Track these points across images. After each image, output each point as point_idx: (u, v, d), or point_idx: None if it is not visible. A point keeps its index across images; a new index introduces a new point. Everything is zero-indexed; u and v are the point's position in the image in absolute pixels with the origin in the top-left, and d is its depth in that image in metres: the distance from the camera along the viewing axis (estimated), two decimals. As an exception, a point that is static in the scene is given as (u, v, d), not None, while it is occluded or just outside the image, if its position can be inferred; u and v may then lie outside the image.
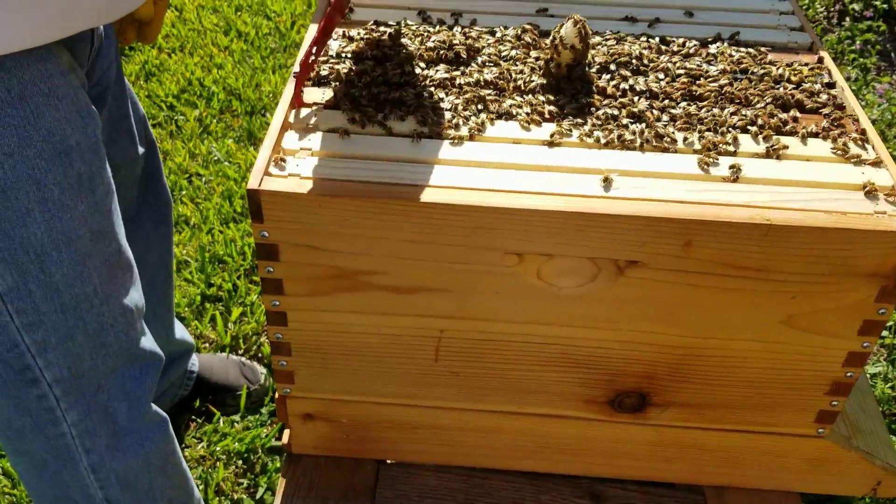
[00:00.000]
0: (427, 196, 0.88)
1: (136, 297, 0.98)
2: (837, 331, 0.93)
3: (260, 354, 1.83)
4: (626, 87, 1.04)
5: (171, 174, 2.26)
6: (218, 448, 1.62)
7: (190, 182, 2.27)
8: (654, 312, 0.95)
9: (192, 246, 2.05)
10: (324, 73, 1.05)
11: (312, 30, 1.13)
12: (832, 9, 3.08)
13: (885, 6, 2.94)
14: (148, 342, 1.01)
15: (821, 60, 1.11)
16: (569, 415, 1.06)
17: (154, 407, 1.05)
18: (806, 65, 1.10)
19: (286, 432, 1.15)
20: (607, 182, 0.90)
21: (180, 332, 1.56)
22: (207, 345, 1.85)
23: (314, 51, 1.01)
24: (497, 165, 0.93)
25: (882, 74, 2.81)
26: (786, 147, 0.96)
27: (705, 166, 0.93)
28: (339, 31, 1.14)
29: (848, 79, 2.50)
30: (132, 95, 1.20)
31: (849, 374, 0.97)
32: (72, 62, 0.86)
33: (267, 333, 1.66)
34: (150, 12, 0.99)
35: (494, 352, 1.01)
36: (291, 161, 0.92)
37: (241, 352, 1.83)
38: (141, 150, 1.23)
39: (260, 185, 0.88)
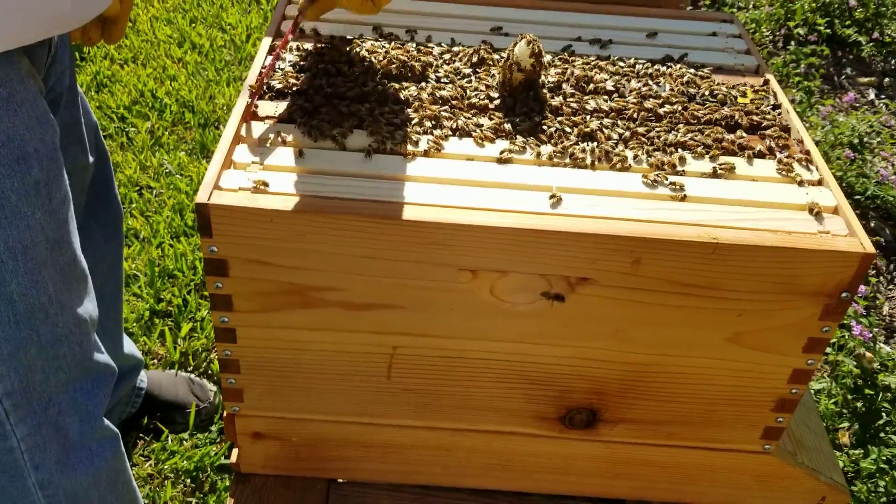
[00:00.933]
0: (381, 212, 0.88)
1: (90, 307, 0.96)
2: (783, 348, 0.95)
3: (210, 371, 1.79)
4: (578, 106, 1.05)
5: (121, 186, 2.22)
6: (166, 466, 1.58)
7: (140, 195, 2.23)
8: (604, 329, 0.96)
9: (141, 260, 2.01)
10: (278, 86, 1.04)
11: (267, 43, 1.12)
12: (778, 33, 3.17)
13: (828, 31, 3.04)
14: (101, 354, 0.99)
15: (766, 83, 1.14)
16: (520, 431, 1.07)
17: (106, 422, 1.02)
18: (752, 87, 1.13)
19: (235, 451, 1.13)
20: (555, 199, 0.91)
21: (129, 347, 1.53)
22: (156, 361, 1.81)
23: (270, 64, 1.01)
24: (451, 182, 0.93)
25: (825, 97, 2.90)
26: (733, 167, 0.98)
27: (654, 185, 0.94)
28: (294, 44, 1.13)
29: (793, 101, 2.57)
30: (84, 103, 1.18)
31: (794, 391, 0.99)
32: (31, 68, 0.85)
33: (216, 352, 1.64)
34: (116, 10, 0.97)
35: (448, 368, 1.01)
36: (242, 175, 0.91)
37: (190, 368, 1.80)
38: (91, 158, 1.21)
39: (209, 198, 0.87)
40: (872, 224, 2.42)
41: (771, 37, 3.20)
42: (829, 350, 1.81)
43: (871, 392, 1.75)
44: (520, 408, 1.04)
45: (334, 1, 1.02)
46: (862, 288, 1.89)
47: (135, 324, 1.85)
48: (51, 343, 0.91)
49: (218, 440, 1.64)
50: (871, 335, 1.77)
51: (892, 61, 3.20)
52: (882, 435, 1.69)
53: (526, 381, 1.02)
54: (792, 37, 3.09)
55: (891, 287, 2.30)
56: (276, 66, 1.07)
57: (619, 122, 1.03)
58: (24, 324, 0.88)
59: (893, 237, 2.42)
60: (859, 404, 1.75)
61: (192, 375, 1.72)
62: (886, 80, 3.11)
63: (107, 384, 1.00)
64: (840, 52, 3.19)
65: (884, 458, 1.61)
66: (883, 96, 3.01)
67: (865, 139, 2.50)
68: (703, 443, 1.06)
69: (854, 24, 3.16)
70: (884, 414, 1.73)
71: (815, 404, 1.22)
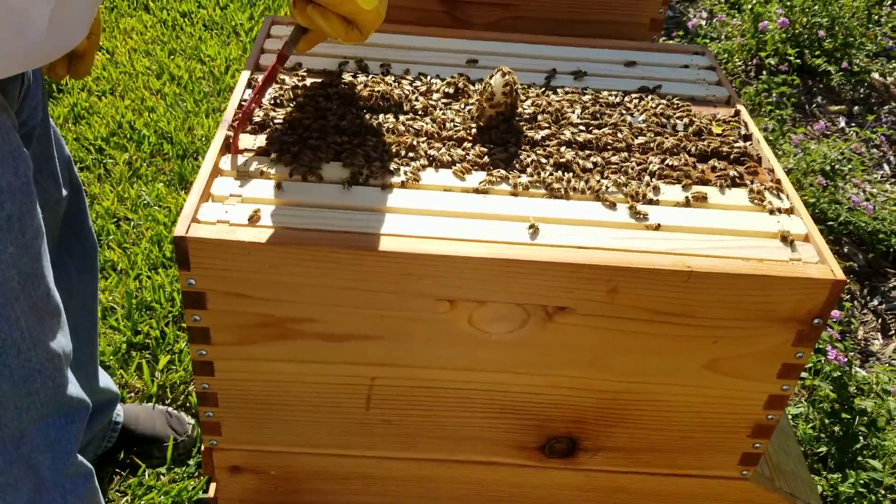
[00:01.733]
0: (358, 243, 0.88)
1: (63, 342, 0.96)
2: (758, 374, 0.96)
3: (188, 404, 1.78)
4: (554, 137, 1.07)
5: (98, 218, 2.20)
6: (143, 502, 1.56)
7: (118, 226, 2.21)
8: (582, 358, 0.96)
9: (118, 292, 1.99)
10: (257, 119, 1.05)
11: (246, 76, 1.13)
12: (750, 63, 3.23)
13: (798, 61, 3.10)
14: (75, 389, 0.98)
15: (737, 114, 1.16)
16: (501, 461, 1.06)
17: (79, 458, 1.01)
18: (723, 118, 1.15)
19: (213, 485, 1.12)
20: (533, 230, 0.92)
21: (104, 380, 1.51)
22: (133, 394, 1.79)
23: (255, 98, 1.02)
24: (428, 213, 0.94)
25: (798, 125, 2.95)
26: (705, 196, 0.99)
27: (629, 214, 0.96)
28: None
29: (765, 129, 2.61)
30: (57, 137, 1.18)
31: (770, 417, 1.00)
32: (3, 102, 0.85)
33: (194, 385, 1.62)
34: (83, 45, 0.98)
35: (426, 399, 1.01)
36: (220, 207, 0.91)
37: (168, 401, 1.78)
38: (65, 192, 1.20)
39: (187, 231, 0.87)
40: (846, 249, 2.45)
41: (743, 66, 3.27)
42: (805, 375, 1.83)
43: (848, 416, 1.76)
44: (500, 437, 1.04)
45: (324, 33, 1.03)
46: (836, 313, 1.92)
47: (112, 357, 1.83)
48: (23, 378, 0.90)
49: (196, 474, 1.62)
50: (846, 360, 1.79)
51: (861, 90, 3.27)
52: (860, 459, 1.71)
53: (505, 411, 1.02)
54: (763, 66, 3.15)
55: (865, 312, 2.33)
56: (260, 101, 1.08)
57: (593, 153, 1.05)
58: None
59: (867, 262, 2.46)
60: (837, 428, 1.76)
61: (170, 408, 1.71)
62: (856, 108, 3.18)
63: (80, 419, 0.99)
64: (811, 82, 3.26)
65: (861, 481, 1.62)
66: (853, 124, 3.07)
67: (837, 166, 2.54)
68: (682, 470, 1.07)
69: (823, 53, 3.23)
70: (861, 438, 1.74)
71: (792, 429, 1.23)
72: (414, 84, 1.16)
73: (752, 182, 1.03)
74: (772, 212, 0.98)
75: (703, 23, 3.56)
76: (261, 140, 1.02)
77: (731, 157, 1.07)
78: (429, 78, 1.17)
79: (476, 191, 0.98)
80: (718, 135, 1.11)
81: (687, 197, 0.99)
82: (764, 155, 1.07)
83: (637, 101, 1.16)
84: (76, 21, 0.87)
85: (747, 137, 1.11)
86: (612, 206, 0.97)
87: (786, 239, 0.94)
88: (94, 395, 1.45)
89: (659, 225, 0.94)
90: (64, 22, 0.84)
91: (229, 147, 1.00)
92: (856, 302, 2.33)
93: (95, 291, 1.37)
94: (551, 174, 1.00)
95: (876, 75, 3.31)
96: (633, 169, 1.02)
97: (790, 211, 0.99)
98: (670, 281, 0.89)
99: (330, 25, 0.97)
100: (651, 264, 0.88)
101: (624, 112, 1.13)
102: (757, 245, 0.93)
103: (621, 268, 0.88)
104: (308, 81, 1.13)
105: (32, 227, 0.88)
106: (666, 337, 0.94)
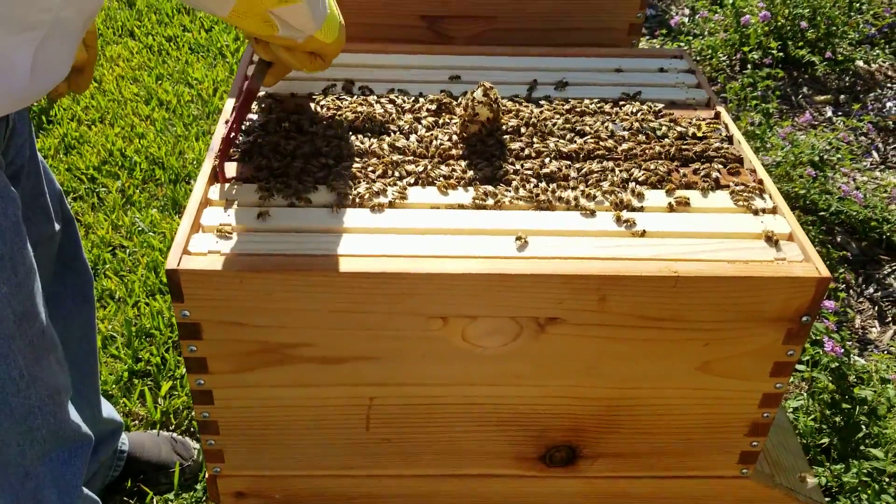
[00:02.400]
0: (350, 265, 0.89)
1: (62, 377, 0.97)
2: (751, 374, 0.97)
3: (192, 429, 1.78)
4: (537, 148, 1.08)
5: (93, 248, 2.21)
6: (151, 530, 1.56)
7: (114, 255, 2.22)
8: (576, 366, 0.97)
9: (117, 320, 2.00)
10: (242, 146, 1.06)
11: (231, 103, 1.14)
12: (734, 57, 3.25)
13: (781, 54, 3.12)
14: (76, 423, 0.99)
15: (717, 115, 1.18)
16: (502, 473, 1.07)
17: (85, 490, 1.02)
18: (704, 120, 1.16)
19: (219, 511, 1.13)
20: (521, 241, 0.93)
21: (108, 410, 1.52)
22: (137, 422, 1.80)
23: (233, 128, 1.03)
24: (417, 231, 0.95)
25: (785, 117, 2.97)
26: (689, 200, 1.01)
27: (614, 222, 0.97)
28: (256, 104, 1.15)
29: (752, 123, 2.62)
30: (47, 172, 1.19)
31: (765, 415, 1.01)
32: None
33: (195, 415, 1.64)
34: (82, 58, 0.99)
35: (425, 415, 1.02)
36: (211, 238, 0.92)
37: (172, 427, 1.78)
38: (57, 226, 1.21)
39: (179, 264, 0.88)
40: (839, 239, 2.46)
41: (728, 61, 3.28)
42: (802, 367, 1.84)
43: (849, 406, 1.77)
44: (500, 450, 1.05)
45: (288, 66, 1.06)
46: (831, 303, 1.93)
47: (114, 385, 1.84)
48: (23, 416, 0.90)
49: (203, 498, 1.63)
50: (842, 350, 1.80)
51: (846, 79, 3.29)
52: (862, 448, 1.71)
53: (504, 423, 1.03)
54: (747, 61, 3.17)
55: (861, 300, 2.34)
56: (239, 131, 1.09)
57: (577, 162, 1.06)
58: None
59: (860, 250, 2.47)
60: (838, 419, 1.77)
61: (174, 434, 1.71)
62: (842, 96, 3.19)
63: (84, 453, 1.00)
64: (796, 73, 3.28)
65: (865, 470, 1.63)
66: (840, 113, 3.08)
67: (825, 156, 2.56)
68: (682, 472, 1.08)
69: (807, 44, 3.25)
70: (863, 427, 1.75)
71: (790, 425, 1.24)
72: (397, 103, 1.17)
73: (734, 184, 1.04)
74: (755, 212, 0.99)
75: (686, 20, 3.58)
76: (248, 167, 1.03)
77: (713, 159, 1.08)
78: (412, 96, 1.19)
79: (462, 206, 0.99)
80: (699, 138, 1.12)
81: (671, 202, 1.00)
82: (745, 156, 1.09)
83: (618, 108, 1.17)
84: (59, 59, 0.89)
85: (728, 139, 1.12)
86: (598, 215, 0.98)
87: (770, 239, 0.95)
88: (99, 426, 1.45)
89: (644, 231, 0.95)
90: (47, 62, 0.85)
91: (217, 177, 1.01)
92: (851, 291, 2.34)
93: (93, 322, 1.38)
94: (536, 185, 1.02)
95: (860, 63, 3.32)
96: (616, 176, 1.03)
97: (773, 210, 1.00)
98: (658, 286, 0.90)
99: (295, 59, 1.01)
100: (638, 271, 0.90)
101: (605, 120, 1.15)
102: (742, 246, 0.94)
103: (609, 276, 0.90)
104: (292, 105, 1.14)
105: (24, 266, 0.89)
106: (658, 342, 0.95)
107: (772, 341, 0.94)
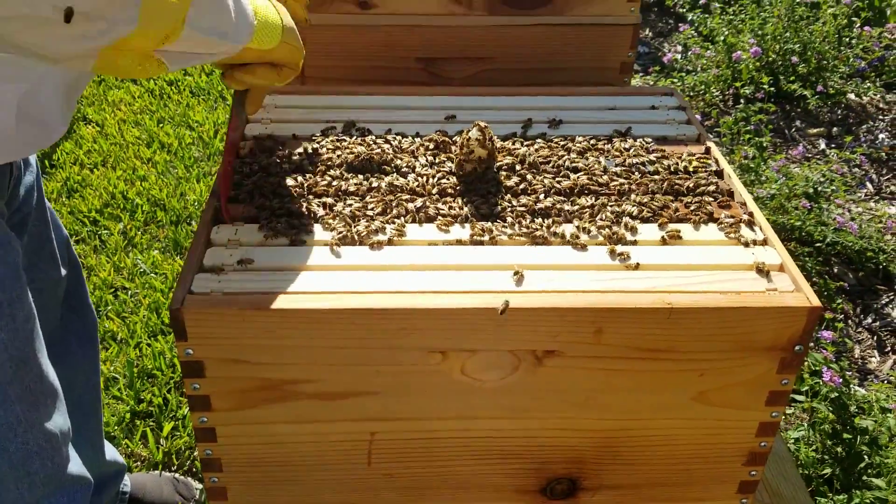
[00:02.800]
0: (350, 302, 0.91)
1: (60, 421, 0.97)
2: (746, 403, 0.99)
3: (194, 469, 1.79)
4: (532, 185, 1.11)
5: (95, 290, 2.23)
6: (153, 572, 1.56)
7: (116, 296, 2.24)
8: (575, 399, 0.98)
9: (119, 362, 2.01)
10: (245, 187, 1.08)
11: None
12: (727, 92, 3.30)
13: (772, 89, 3.17)
14: (75, 466, 1.00)
15: (708, 150, 1.20)
16: (503, 506, 1.08)
17: None
18: (694, 155, 1.19)
19: (222, 550, 1.13)
20: (517, 276, 0.95)
21: (110, 453, 1.53)
22: (139, 463, 1.80)
23: (228, 171, 1.05)
24: (415, 267, 0.97)
25: (779, 150, 3.01)
26: (681, 233, 1.03)
27: (609, 256, 0.99)
28: (257, 145, 1.18)
29: (746, 157, 2.66)
30: (54, 218, 1.21)
31: (763, 444, 1.02)
32: None
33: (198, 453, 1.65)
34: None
35: (426, 450, 1.03)
36: (213, 277, 0.94)
37: (174, 468, 1.79)
38: (63, 271, 1.23)
39: (182, 303, 0.90)
40: (836, 269, 2.48)
41: (721, 96, 3.34)
42: (802, 398, 1.85)
43: (850, 436, 1.78)
44: (501, 483, 1.06)
45: (263, 87, 1.02)
46: (829, 334, 1.94)
47: (116, 427, 1.84)
48: (21, 461, 0.91)
49: (205, 539, 1.62)
50: (841, 380, 1.81)
51: (839, 111, 3.33)
52: (864, 478, 1.71)
53: (505, 456, 1.04)
54: (740, 96, 3.22)
55: (860, 330, 2.35)
56: (234, 174, 1.11)
57: (571, 198, 1.08)
58: None
59: (857, 281, 2.49)
60: (839, 449, 1.77)
61: (177, 475, 1.72)
62: (835, 129, 3.24)
63: (83, 496, 1.00)
64: (788, 106, 3.33)
65: (867, 500, 1.63)
66: (833, 145, 3.12)
67: (820, 188, 2.59)
68: (682, 502, 1.08)
69: (798, 78, 3.30)
70: (865, 457, 1.75)
71: (790, 454, 1.25)
72: (395, 143, 1.20)
73: (725, 216, 1.06)
74: (746, 244, 1.01)
75: (679, 56, 3.64)
76: (249, 208, 1.05)
77: (704, 193, 1.11)
78: (409, 136, 1.22)
79: (460, 243, 1.01)
80: (690, 173, 1.14)
81: (663, 235, 1.02)
82: (735, 189, 1.11)
83: (610, 144, 1.20)
84: (50, 114, 0.88)
85: (719, 173, 1.15)
86: (593, 249, 1.00)
87: (761, 270, 0.97)
88: (102, 469, 1.46)
89: (638, 264, 0.97)
90: (35, 114, 0.85)
91: (219, 218, 1.04)
92: (850, 321, 2.36)
93: (97, 365, 1.40)
94: (532, 221, 1.04)
95: (852, 96, 3.38)
96: (610, 211, 1.06)
97: (764, 242, 1.02)
98: (652, 318, 0.91)
99: (260, 77, 0.97)
100: (633, 304, 0.91)
101: (598, 156, 1.17)
102: (734, 278, 0.96)
103: (604, 309, 0.91)
104: (291, 147, 1.17)
105: (23, 312, 0.90)
106: (654, 373, 0.96)
107: (766, 370, 0.96)
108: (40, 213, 1.14)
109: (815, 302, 0.91)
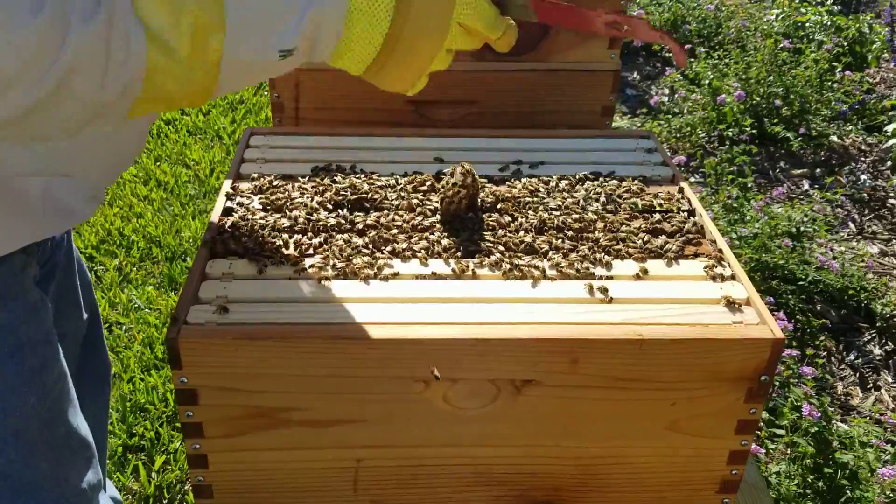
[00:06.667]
0: (339, 333, 0.96)
1: (90, 476, 0.98)
2: (717, 432, 1.03)
3: (185, 503, 1.81)
4: (513, 223, 1.16)
5: (91, 325, 2.27)
6: None
7: (110, 331, 2.28)
8: (553, 427, 1.03)
9: (113, 396, 2.04)
10: (239, 224, 1.14)
11: (228, 184, 1.23)
12: (712, 134, 3.38)
13: (755, 131, 3.26)
14: None
15: (681, 191, 1.26)
16: (485, 533, 1.11)
17: None
18: (669, 195, 1.25)
19: (212, 576, 1.16)
20: (498, 308, 1.00)
21: (111, 490, 1.54)
22: (130, 496, 1.82)
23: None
24: (401, 300, 1.02)
25: (762, 190, 3.08)
26: (654, 269, 1.08)
27: (585, 290, 1.04)
28: (250, 185, 1.23)
29: (730, 197, 2.73)
30: (80, 263, 1.20)
31: (734, 472, 1.06)
32: (25, 261, 0.89)
33: (190, 480, 1.67)
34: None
35: (411, 477, 1.06)
36: (208, 309, 0.99)
37: (165, 501, 1.81)
38: (85, 315, 1.23)
39: (178, 333, 0.94)
40: (819, 307, 2.53)
41: (706, 138, 3.42)
42: (781, 432, 1.88)
43: (831, 470, 1.81)
44: (483, 510, 1.10)
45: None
46: (810, 370, 1.98)
47: (108, 460, 1.87)
48: None
49: (195, 571, 1.64)
50: (819, 415, 1.85)
51: (821, 153, 3.42)
52: (845, 512, 1.74)
53: (487, 483, 1.07)
54: (724, 137, 3.30)
55: (843, 367, 2.40)
56: (235, 206, 1.17)
57: (551, 235, 1.14)
58: (20, 498, 0.89)
59: (840, 319, 2.54)
60: (820, 484, 1.81)
61: (168, 507, 1.73)
62: (818, 170, 3.32)
63: None
64: (772, 148, 3.41)
65: (848, 534, 1.66)
66: (816, 186, 3.20)
67: (802, 228, 2.65)
68: (659, 530, 1.12)
69: (781, 121, 3.39)
70: (846, 491, 1.78)
71: (765, 485, 1.29)
72: (382, 182, 1.25)
73: (696, 254, 1.12)
74: (714, 279, 1.07)
75: (666, 99, 3.74)
76: (243, 245, 1.10)
77: (677, 231, 1.16)
78: (397, 175, 1.27)
79: (444, 277, 1.06)
80: (664, 211, 1.20)
81: (638, 271, 1.07)
82: (706, 227, 1.17)
83: (590, 184, 1.26)
84: (72, 201, 0.88)
85: (691, 212, 1.21)
86: (570, 283, 1.05)
87: (729, 304, 1.02)
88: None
89: (612, 298, 1.02)
90: (57, 202, 0.86)
91: (214, 252, 1.08)
92: (832, 358, 2.40)
93: (107, 407, 1.40)
94: (513, 256, 1.09)
95: (834, 138, 3.47)
96: (586, 247, 1.11)
97: (732, 278, 1.07)
98: (625, 349, 0.96)
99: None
100: (606, 335, 0.96)
101: (577, 195, 1.23)
102: (702, 311, 1.01)
103: (579, 340, 0.96)
104: (279, 186, 1.23)
105: (54, 374, 0.91)
106: (627, 402, 1.00)
107: (734, 399, 1.00)
108: (68, 262, 1.14)
109: (778, 334, 0.96)
